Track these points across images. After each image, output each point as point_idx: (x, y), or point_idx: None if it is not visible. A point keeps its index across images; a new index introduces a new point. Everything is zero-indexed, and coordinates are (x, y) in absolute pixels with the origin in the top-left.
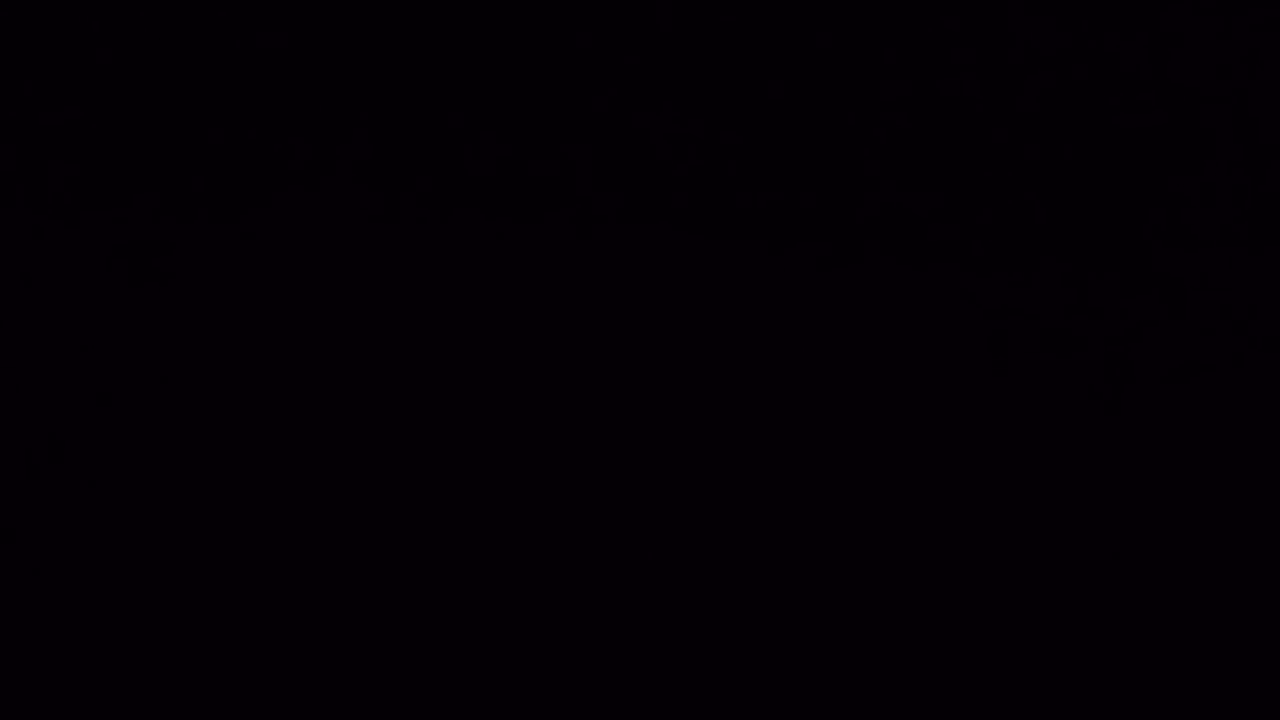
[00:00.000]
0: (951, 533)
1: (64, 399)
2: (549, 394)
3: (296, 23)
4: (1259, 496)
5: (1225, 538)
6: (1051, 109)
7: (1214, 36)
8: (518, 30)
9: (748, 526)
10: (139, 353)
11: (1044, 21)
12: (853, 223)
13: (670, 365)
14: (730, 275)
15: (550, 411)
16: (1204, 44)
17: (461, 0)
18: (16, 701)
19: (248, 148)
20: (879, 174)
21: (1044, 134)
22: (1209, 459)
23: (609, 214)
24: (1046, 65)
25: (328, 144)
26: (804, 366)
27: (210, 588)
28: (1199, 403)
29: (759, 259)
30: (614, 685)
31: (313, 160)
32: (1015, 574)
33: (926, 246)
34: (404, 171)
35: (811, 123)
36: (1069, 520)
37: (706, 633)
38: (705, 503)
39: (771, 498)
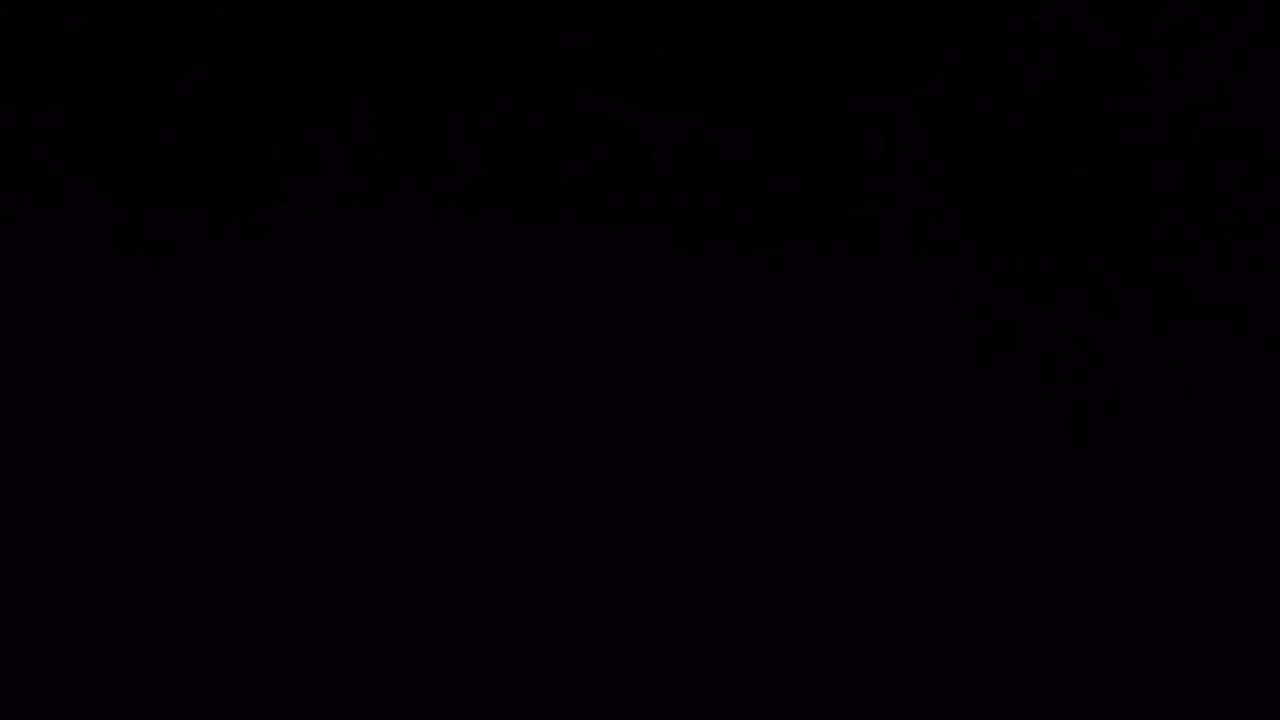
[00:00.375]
0: (952, 534)
1: (61, 396)
2: (547, 394)
3: (294, 21)
4: (1259, 497)
5: (1224, 539)
6: (1051, 109)
7: (1215, 38)
8: (516, 30)
9: (749, 528)
10: (135, 352)
11: (1044, 21)
12: (852, 222)
13: (669, 365)
14: (731, 275)
15: (549, 411)
16: (1205, 44)
17: (460, 0)
18: (16, 701)
19: (245, 146)
20: (877, 173)
21: (1043, 133)
22: (1208, 459)
23: (608, 214)
24: (1046, 64)
25: (325, 144)
26: (802, 366)
27: (206, 585)
28: (1198, 402)
29: (760, 258)
30: (608, 685)
31: (310, 160)
32: (1014, 573)
33: (925, 246)
34: (402, 172)
35: (810, 122)
36: (1067, 521)
37: (705, 631)
38: (706, 504)
39: (770, 498)
